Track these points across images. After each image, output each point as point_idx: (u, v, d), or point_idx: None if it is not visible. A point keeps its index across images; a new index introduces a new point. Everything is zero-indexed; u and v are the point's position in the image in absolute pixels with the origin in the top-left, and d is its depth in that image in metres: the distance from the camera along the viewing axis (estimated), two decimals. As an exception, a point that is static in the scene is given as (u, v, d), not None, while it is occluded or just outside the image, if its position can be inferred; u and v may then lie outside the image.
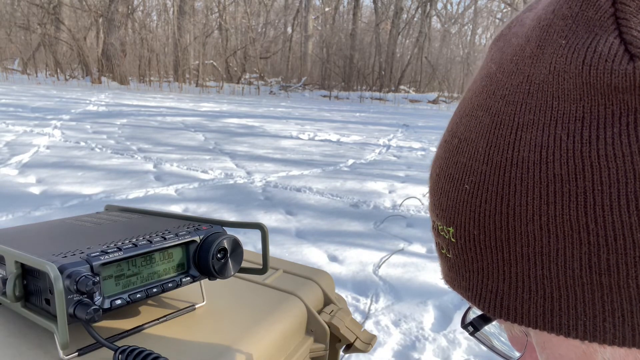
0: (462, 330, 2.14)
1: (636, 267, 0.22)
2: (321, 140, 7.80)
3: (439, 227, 0.30)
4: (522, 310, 0.26)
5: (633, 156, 0.21)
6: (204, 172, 5.08)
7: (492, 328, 0.35)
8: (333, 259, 2.91)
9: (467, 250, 0.28)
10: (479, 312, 0.31)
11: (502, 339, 0.35)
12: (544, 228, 0.24)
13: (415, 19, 24.14)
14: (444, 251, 0.31)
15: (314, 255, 2.92)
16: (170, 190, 4.26)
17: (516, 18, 0.29)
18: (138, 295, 0.53)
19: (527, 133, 0.24)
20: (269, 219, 3.58)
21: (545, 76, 0.24)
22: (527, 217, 0.24)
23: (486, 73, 0.28)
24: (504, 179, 0.25)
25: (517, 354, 0.33)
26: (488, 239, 0.26)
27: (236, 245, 0.62)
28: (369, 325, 2.16)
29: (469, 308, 0.33)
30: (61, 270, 0.46)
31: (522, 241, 0.25)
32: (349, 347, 0.71)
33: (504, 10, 26.47)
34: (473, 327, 0.32)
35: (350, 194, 4.41)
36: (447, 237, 0.29)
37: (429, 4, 22.90)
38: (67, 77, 20.53)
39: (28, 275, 0.51)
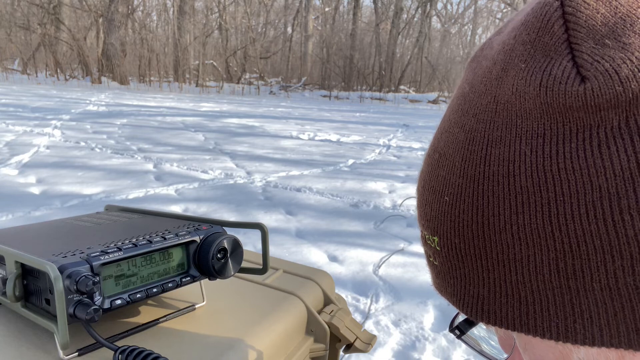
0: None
1: (599, 271, 0.23)
2: (321, 140, 7.80)
3: (426, 236, 0.32)
4: (501, 314, 0.27)
5: (589, 169, 0.23)
6: (204, 172, 5.08)
7: (482, 332, 0.36)
8: (333, 259, 2.91)
9: (450, 258, 0.29)
10: (465, 317, 0.33)
11: (492, 342, 0.37)
12: (515, 236, 0.25)
13: (415, 19, 24.13)
14: (431, 259, 0.32)
15: (314, 255, 2.92)
16: (170, 190, 4.26)
17: (488, 40, 0.30)
18: (138, 295, 0.53)
19: (496, 149, 0.26)
20: (269, 219, 3.58)
21: (509, 97, 0.26)
22: (500, 227, 0.26)
23: (461, 93, 0.30)
24: (478, 191, 0.27)
25: (505, 355, 0.34)
26: (467, 247, 0.28)
27: (236, 245, 0.62)
28: (369, 325, 2.16)
29: (458, 313, 0.35)
30: (61, 270, 0.46)
31: (497, 249, 0.26)
32: (349, 347, 0.71)
33: (504, 10, 26.46)
34: (459, 330, 0.34)
35: (350, 194, 4.41)
36: (433, 245, 0.31)
37: (429, 4, 22.90)
38: (67, 77, 20.53)
39: (28, 275, 0.51)
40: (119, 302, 0.51)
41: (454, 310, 0.33)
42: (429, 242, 0.32)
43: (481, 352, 0.35)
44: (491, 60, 0.28)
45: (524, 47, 0.26)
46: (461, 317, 0.35)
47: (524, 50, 0.25)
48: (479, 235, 0.27)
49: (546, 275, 0.25)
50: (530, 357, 0.29)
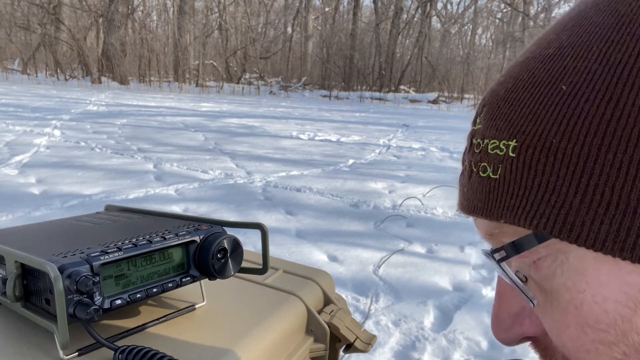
0: (462, 330, 2.14)
1: None
2: (321, 140, 7.80)
3: (490, 146, 0.29)
4: (592, 228, 0.24)
5: None
6: (204, 172, 5.08)
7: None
8: (333, 259, 2.91)
9: (532, 163, 0.26)
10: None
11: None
12: None
13: (415, 19, 24.14)
14: (485, 173, 0.29)
15: (314, 255, 2.92)
16: (170, 190, 4.26)
17: None
18: (138, 295, 0.53)
19: None
20: (269, 219, 3.58)
21: None
22: (636, 120, 0.23)
23: None
24: (619, 77, 0.24)
25: (535, 301, 0.31)
26: (572, 146, 0.25)
27: (236, 245, 0.62)
28: (369, 325, 2.16)
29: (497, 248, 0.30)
30: (61, 270, 0.46)
31: (619, 147, 0.23)
32: (349, 347, 0.71)
33: (504, 10, 26.47)
34: (507, 252, 0.28)
35: (350, 194, 4.41)
36: (501, 153, 0.28)
37: (429, 4, 22.90)
38: (67, 77, 20.53)
39: (28, 275, 0.51)
40: (119, 302, 0.51)
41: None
42: (493, 151, 0.28)
43: (513, 281, 0.30)
44: None
45: None
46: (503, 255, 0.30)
47: None
48: (598, 130, 0.24)
49: None
50: (582, 302, 0.26)
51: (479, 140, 0.30)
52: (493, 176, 0.28)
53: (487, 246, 0.33)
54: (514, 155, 0.27)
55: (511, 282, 0.30)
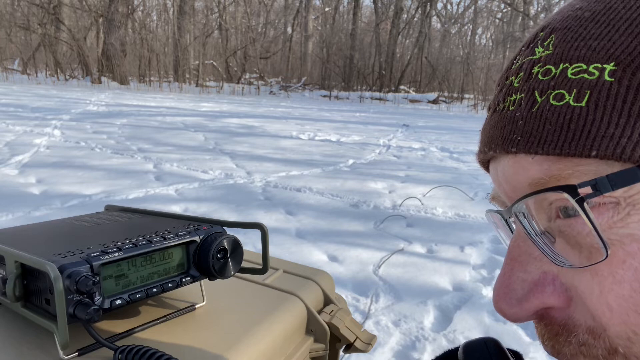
0: (462, 330, 2.14)
1: None
2: (321, 140, 7.80)
3: (571, 71, 0.26)
4: None
5: None
6: (204, 172, 5.08)
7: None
8: (333, 259, 2.91)
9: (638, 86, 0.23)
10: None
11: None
12: None
13: (415, 19, 24.15)
14: (562, 101, 0.26)
15: (314, 255, 2.92)
16: (170, 190, 4.26)
17: None
18: (138, 295, 0.53)
19: None
20: (269, 219, 3.58)
21: None
22: None
23: None
24: None
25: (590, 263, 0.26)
26: None
27: (236, 245, 0.62)
28: (369, 325, 2.16)
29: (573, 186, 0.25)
30: (61, 270, 0.46)
31: None
32: (349, 347, 0.71)
33: (504, 10, 26.47)
34: (595, 189, 0.24)
35: (350, 194, 4.41)
36: (591, 78, 0.25)
37: (429, 4, 22.91)
38: (67, 77, 20.54)
39: (28, 275, 0.51)
40: (119, 302, 0.51)
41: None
42: (579, 75, 0.25)
43: (594, 225, 0.25)
44: None
45: None
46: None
47: None
48: None
49: None
50: None
51: (548, 66, 0.27)
52: (575, 104, 0.25)
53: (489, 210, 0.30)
54: (611, 79, 0.24)
55: (592, 225, 0.24)
